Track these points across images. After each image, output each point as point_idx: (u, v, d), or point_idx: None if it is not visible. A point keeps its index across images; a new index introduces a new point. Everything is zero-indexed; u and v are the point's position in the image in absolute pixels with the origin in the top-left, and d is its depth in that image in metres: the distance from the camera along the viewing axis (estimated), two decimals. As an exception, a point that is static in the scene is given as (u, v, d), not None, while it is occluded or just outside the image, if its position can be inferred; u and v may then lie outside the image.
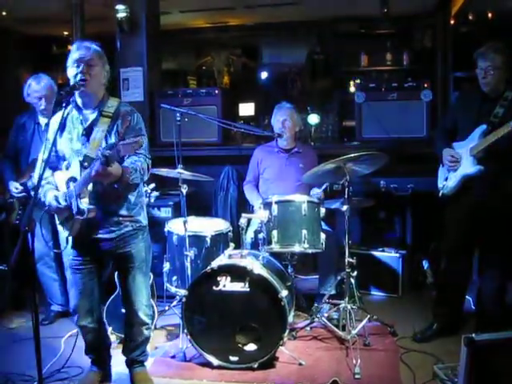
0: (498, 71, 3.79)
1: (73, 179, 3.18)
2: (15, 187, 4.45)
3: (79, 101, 3.27)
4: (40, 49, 8.20)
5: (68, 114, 3.26)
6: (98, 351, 3.57)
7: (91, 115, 3.26)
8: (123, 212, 3.32)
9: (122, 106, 3.33)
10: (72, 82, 3.18)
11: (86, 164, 3.11)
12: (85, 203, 3.12)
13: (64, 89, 3.14)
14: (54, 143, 3.18)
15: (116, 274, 3.79)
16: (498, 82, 3.82)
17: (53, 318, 4.68)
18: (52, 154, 3.22)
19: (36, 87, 4.40)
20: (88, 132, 3.23)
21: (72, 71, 3.19)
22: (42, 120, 4.46)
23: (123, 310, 3.67)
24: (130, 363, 3.59)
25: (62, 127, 3.24)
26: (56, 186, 3.29)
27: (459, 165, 3.92)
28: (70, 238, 3.30)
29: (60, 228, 3.33)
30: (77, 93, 3.20)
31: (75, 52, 3.20)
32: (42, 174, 2.90)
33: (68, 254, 3.37)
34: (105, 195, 3.21)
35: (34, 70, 4.68)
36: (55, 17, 6.65)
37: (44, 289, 4.69)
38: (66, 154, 3.28)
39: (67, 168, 3.26)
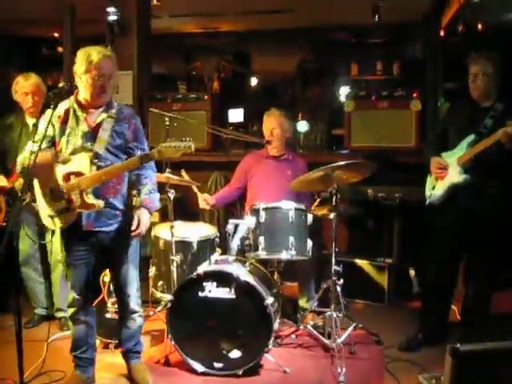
0: (487, 78, 3.82)
1: (76, 174, 3.23)
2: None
3: (83, 100, 3.34)
4: (29, 50, 8.16)
5: (69, 109, 3.35)
6: (84, 349, 3.55)
7: (98, 116, 3.36)
8: (119, 205, 3.42)
9: (123, 108, 3.48)
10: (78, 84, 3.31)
11: (95, 161, 3.24)
12: (90, 198, 3.23)
13: (53, 90, 3.11)
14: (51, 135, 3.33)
15: (109, 268, 3.74)
16: (486, 90, 3.86)
17: (36, 321, 4.63)
18: (48, 145, 3.34)
19: (24, 83, 4.38)
20: (94, 131, 3.32)
21: (87, 77, 3.24)
22: (30, 121, 4.42)
23: (107, 316, 3.70)
24: (127, 355, 3.66)
25: (63, 121, 3.33)
26: None
27: (447, 174, 3.93)
28: (64, 232, 3.40)
29: (48, 221, 3.35)
30: (81, 93, 3.32)
31: (97, 62, 3.22)
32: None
33: (66, 249, 3.44)
34: (105, 190, 3.32)
35: (22, 71, 4.63)
36: (45, 18, 6.61)
37: (28, 292, 4.64)
38: (62, 148, 3.33)
39: (64, 163, 3.29)
